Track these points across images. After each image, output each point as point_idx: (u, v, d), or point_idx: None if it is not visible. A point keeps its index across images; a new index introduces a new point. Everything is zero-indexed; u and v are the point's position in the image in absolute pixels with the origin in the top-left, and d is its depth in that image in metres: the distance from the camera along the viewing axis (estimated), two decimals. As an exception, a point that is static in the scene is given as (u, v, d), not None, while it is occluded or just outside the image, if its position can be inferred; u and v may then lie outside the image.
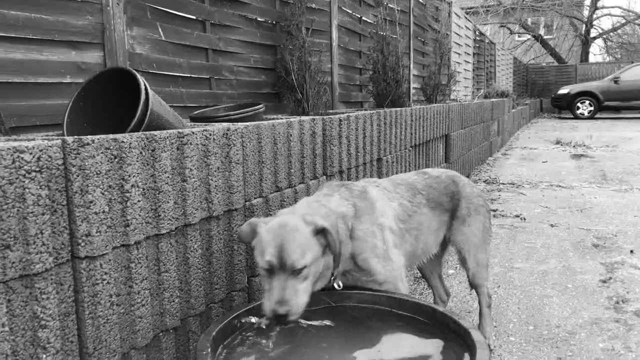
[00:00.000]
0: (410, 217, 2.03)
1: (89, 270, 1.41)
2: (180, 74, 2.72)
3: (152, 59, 2.50)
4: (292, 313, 1.48)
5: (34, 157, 1.25)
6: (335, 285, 1.75)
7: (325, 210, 1.73)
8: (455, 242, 2.27)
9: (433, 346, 1.53)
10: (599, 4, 26.29)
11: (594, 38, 28.22)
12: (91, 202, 1.40)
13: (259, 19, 3.37)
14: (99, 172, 1.42)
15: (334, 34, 4.28)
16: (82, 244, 1.38)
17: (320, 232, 1.59)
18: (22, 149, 1.23)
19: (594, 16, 26.65)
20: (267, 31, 3.46)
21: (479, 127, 7.78)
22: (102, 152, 1.43)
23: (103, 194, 1.43)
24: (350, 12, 4.70)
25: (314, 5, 3.94)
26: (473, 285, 2.36)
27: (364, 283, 1.83)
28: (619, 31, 28.08)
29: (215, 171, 1.90)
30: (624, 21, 26.90)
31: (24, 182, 1.23)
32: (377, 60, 4.49)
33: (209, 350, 1.38)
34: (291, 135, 2.43)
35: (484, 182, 6.52)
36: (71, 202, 1.36)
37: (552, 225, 4.38)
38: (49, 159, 1.30)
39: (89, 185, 1.39)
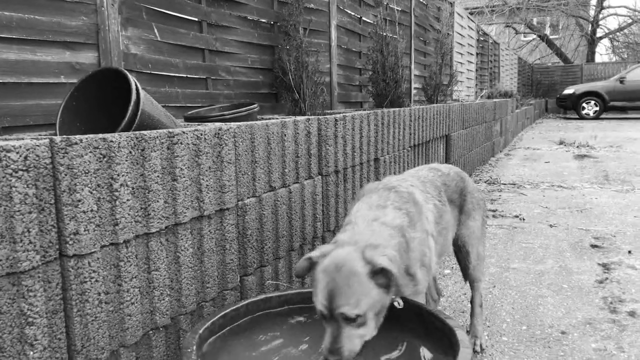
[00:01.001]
0: (441, 218, 1.97)
1: (77, 268, 1.42)
2: (176, 74, 2.74)
3: (148, 59, 2.52)
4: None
5: (20, 156, 1.27)
6: (396, 304, 1.60)
7: (388, 232, 1.61)
8: (460, 235, 2.27)
9: (418, 344, 1.54)
10: (605, 4, 26.18)
11: (600, 38, 28.08)
12: (79, 200, 1.42)
13: (256, 19, 3.39)
14: (87, 171, 1.44)
15: (333, 34, 4.29)
16: (70, 242, 1.40)
17: (380, 272, 1.44)
18: (9, 148, 1.24)
19: (600, 16, 26.53)
20: (264, 31, 3.47)
21: (481, 128, 7.76)
22: (90, 152, 1.45)
23: (91, 192, 1.45)
24: (350, 12, 4.71)
25: (312, 6, 3.96)
26: (472, 279, 2.35)
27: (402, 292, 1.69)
28: (625, 31, 27.94)
29: (207, 171, 1.91)
30: (630, 21, 26.77)
31: (10, 180, 1.25)
32: (377, 61, 4.50)
33: (194, 347, 1.39)
34: (285, 135, 2.44)
35: (485, 182, 6.51)
36: (59, 201, 1.38)
37: (551, 226, 4.37)
38: (37, 158, 1.32)
39: (77, 184, 1.41)
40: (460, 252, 2.32)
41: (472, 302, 2.39)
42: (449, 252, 2.24)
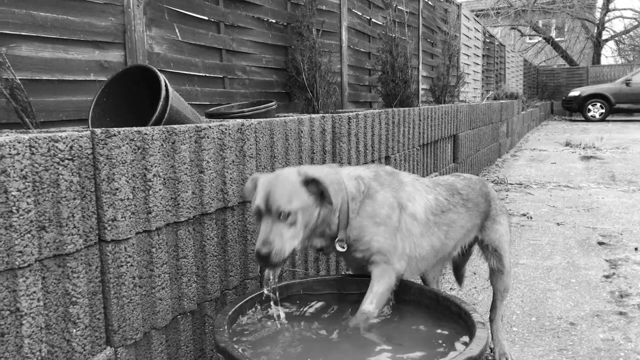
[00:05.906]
0: (444, 213, 1.97)
1: (114, 252, 1.51)
2: (196, 73, 2.84)
3: (170, 58, 2.62)
4: (275, 254, 1.52)
5: (67, 146, 1.36)
6: (338, 247, 1.73)
7: (329, 169, 1.74)
8: (491, 241, 2.22)
9: (437, 328, 1.62)
10: (611, 6, 26.19)
11: (606, 40, 28.10)
12: (117, 189, 1.51)
13: (270, 20, 3.48)
14: (124, 162, 1.53)
15: (344, 35, 4.38)
16: (109, 228, 1.49)
17: (311, 182, 1.62)
18: (57, 138, 1.34)
19: (606, 18, 26.55)
20: (278, 32, 3.57)
21: (488, 129, 7.83)
22: (127, 143, 1.54)
23: (128, 182, 1.54)
24: (360, 14, 4.80)
25: (324, 7, 4.05)
26: (502, 287, 2.25)
27: (355, 252, 1.76)
28: (631, 33, 27.95)
29: (230, 164, 2.00)
30: (636, 23, 26.77)
31: (58, 169, 1.34)
32: (386, 61, 4.58)
33: (225, 327, 1.48)
34: (302, 131, 2.53)
35: (492, 182, 6.58)
36: (99, 189, 1.47)
37: (558, 224, 4.44)
38: (80, 148, 1.41)
39: (115, 173, 1.50)
40: (492, 257, 2.24)
41: (492, 315, 2.25)
42: (456, 253, 2.17)
